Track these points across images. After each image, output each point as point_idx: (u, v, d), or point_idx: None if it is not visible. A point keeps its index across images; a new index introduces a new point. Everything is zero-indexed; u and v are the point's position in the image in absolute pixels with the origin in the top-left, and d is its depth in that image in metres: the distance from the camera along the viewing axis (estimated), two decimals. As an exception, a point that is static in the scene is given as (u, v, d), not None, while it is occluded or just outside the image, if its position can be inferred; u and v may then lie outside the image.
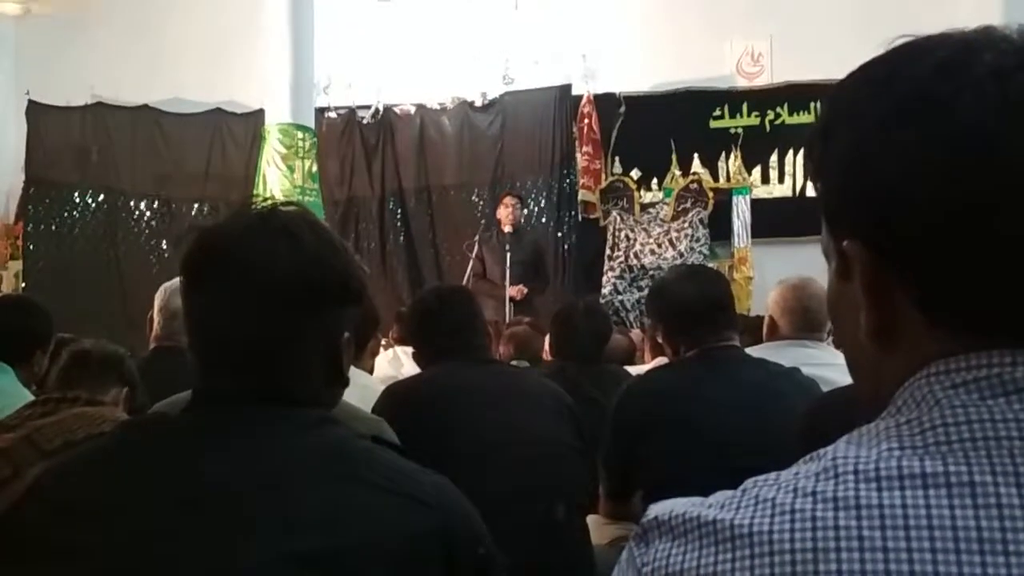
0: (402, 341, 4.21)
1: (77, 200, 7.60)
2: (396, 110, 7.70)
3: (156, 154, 7.69)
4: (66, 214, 7.56)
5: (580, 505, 2.17)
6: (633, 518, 2.27)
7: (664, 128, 7.13)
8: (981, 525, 0.45)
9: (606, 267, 7.11)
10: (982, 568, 0.44)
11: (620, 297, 6.95)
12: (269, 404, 0.98)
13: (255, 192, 6.43)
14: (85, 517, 0.91)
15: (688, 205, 7.07)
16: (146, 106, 7.60)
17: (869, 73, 0.56)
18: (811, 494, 0.48)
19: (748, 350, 2.38)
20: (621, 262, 7.09)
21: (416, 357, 2.39)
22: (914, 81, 0.52)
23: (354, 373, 1.32)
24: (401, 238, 7.71)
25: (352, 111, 7.72)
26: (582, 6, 7.37)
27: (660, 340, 2.39)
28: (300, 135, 6.53)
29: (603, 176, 7.30)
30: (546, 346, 3.41)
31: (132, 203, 7.66)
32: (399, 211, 7.74)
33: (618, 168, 7.33)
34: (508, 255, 5.81)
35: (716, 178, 7.14)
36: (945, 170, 0.49)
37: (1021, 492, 0.45)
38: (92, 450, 1.05)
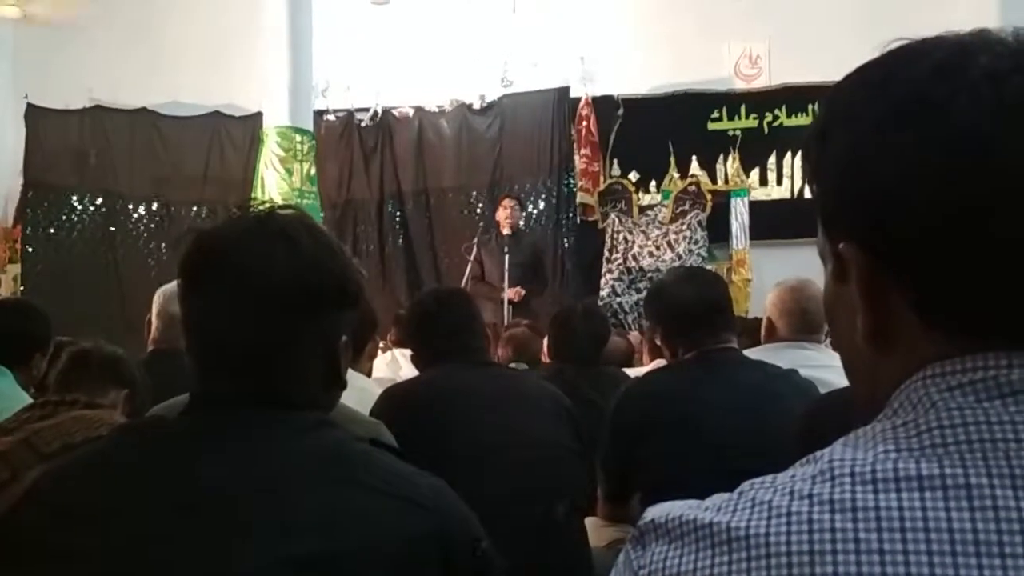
0: (400, 343, 4.21)
1: (75, 203, 7.61)
2: (394, 113, 7.70)
3: (154, 157, 7.69)
4: (64, 217, 7.57)
5: (578, 507, 2.17)
6: (631, 520, 2.26)
7: (662, 130, 7.13)
8: (977, 528, 0.45)
9: (604, 269, 7.10)
10: (978, 571, 0.44)
11: (618, 299, 6.94)
12: (266, 407, 0.98)
13: (253, 195, 6.41)
14: (82, 520, 0.91)
15: (686, 207, 7.07)
16: (144, 109, 7.61)
17: (865, 76, 0.56)
18: (808, 496, 0.48)
19: (746, 352, 2.38)
20: (619, 264, 7.08)
21: (414, 359, 2.39)
22: (910, 84, 0.52)
23: (352, 376, 1.32)
24: (400, 241, 7.71)
25: (350, 114, 7.71)
26: (580, 8, 7.37)
27: (658, 342, 2.39)
28: (298, 138, 6.52)
29: (601, 178, 7.30)
30: (544, 348, 3.41)
31: (130, 206, 7.67)
32: (397, 214, 7.73)
33: (616, 170, 7.32)
34: (506, 257, 5.79)
35: (714, 180, 7.14)
36: (941, 173, 0.49)
37: (1017, 494, 0.45)
38: (89, 453, 1.05)
